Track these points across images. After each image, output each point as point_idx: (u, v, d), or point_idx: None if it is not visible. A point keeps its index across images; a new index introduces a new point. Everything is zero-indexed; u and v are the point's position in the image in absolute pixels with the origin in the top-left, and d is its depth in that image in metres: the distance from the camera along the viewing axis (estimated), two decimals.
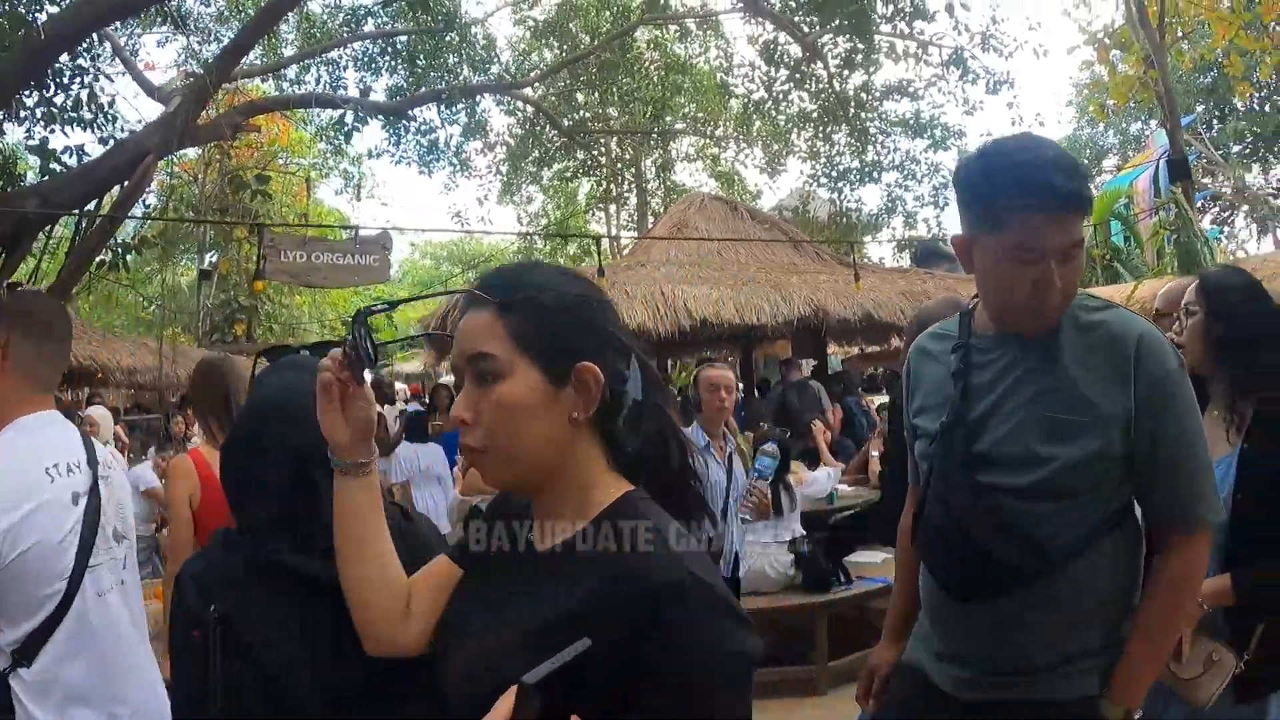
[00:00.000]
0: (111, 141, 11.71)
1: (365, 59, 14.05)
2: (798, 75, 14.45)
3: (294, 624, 1.48)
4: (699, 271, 9.10)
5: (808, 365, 15.27)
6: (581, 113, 16.43)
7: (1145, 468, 1.73)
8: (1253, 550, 2.25)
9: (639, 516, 1.15)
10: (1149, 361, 1.70)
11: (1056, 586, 1.73)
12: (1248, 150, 24.74)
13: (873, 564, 5.97)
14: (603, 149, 17.96)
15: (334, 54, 13.97)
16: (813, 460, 6.69)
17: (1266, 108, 23.27)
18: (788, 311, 8.49)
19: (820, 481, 6.22)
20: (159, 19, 14.66)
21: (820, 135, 16.32)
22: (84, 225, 12.16)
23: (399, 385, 26.89)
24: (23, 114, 10.83)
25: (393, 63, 14.05)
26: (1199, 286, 2.54)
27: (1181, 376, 1.74)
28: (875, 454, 7.17)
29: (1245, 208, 23.75)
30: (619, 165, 18.27)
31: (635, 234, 17.06)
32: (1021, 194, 1.66)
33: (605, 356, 1.20)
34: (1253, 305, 2.45)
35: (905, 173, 16.24)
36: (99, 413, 6.61)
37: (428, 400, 10.16)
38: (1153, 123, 23.12)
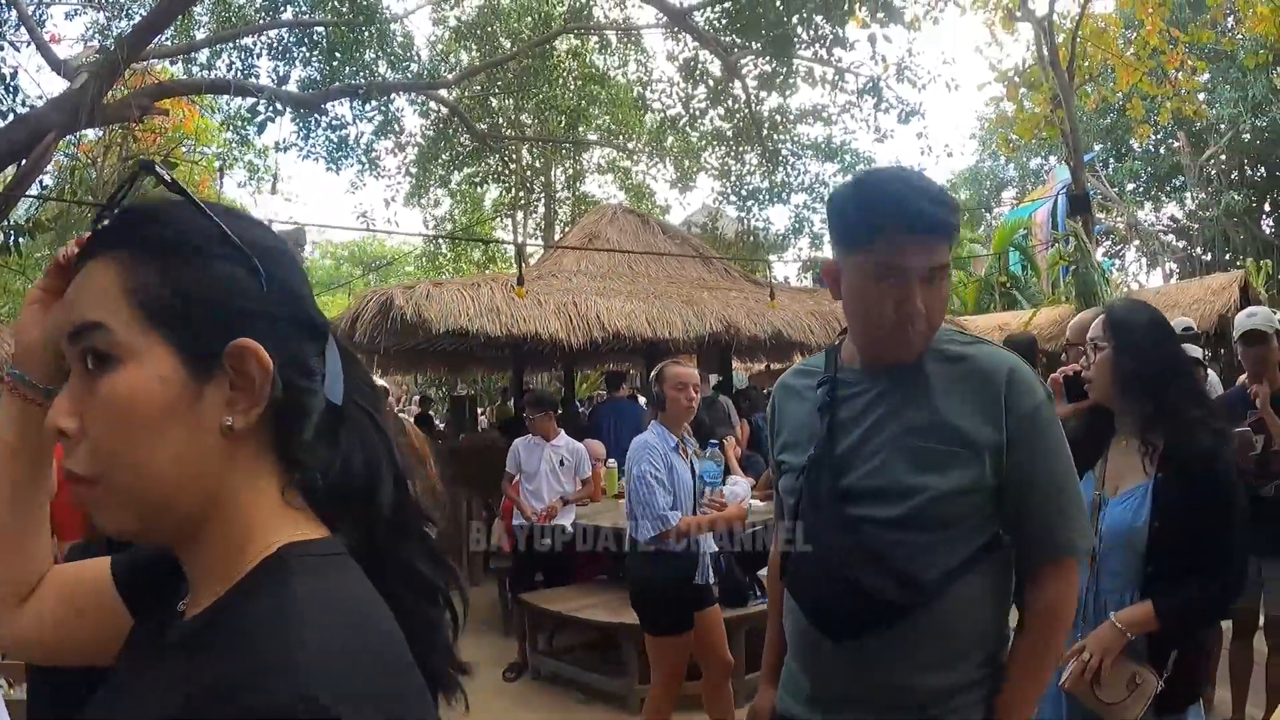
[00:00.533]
0: (11, 115, 11.17)
1: (280, 48, 13.66)
2: (716, 94, 14.65)
3: None
4: (610, 284, 9.13)
5: (712, 380, 15.45)
6: (496, 118, 16.33)
7: (1016, 499, 1.74)
8: (1171, 575, 2.35)
9: (271, 594, 0.75)
10: (1019, 395, 1.72)
11: (932, 619, 1.71)
12: (1141, 189, 26.03)
13: None
14: (514, 155, 17.88)
15: (249, 41, 13.57)
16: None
17: (1161, 149, 24.47)
18: (700, 327, 8.57)
19: (737, 496, 6.28)
20: None
21: (732, 154, 16.56)
22: None
23: None
24: None
25: (308, 54, 13.70)
26: (1106, 321, 2.61)
27: (1050, 410, 1.77)
28: None
29: (1137, 242, 24.96)
30: (529, 173, 18.21)
31: (544, 243, 17.01)
32: (889, 215, 1.68)
33: (281, 335, 0.83)
34: (1158, 341, 2.53)
35: (814, 195, 16.51)
36: None
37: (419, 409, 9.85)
38: (1053, 159, 24.13)
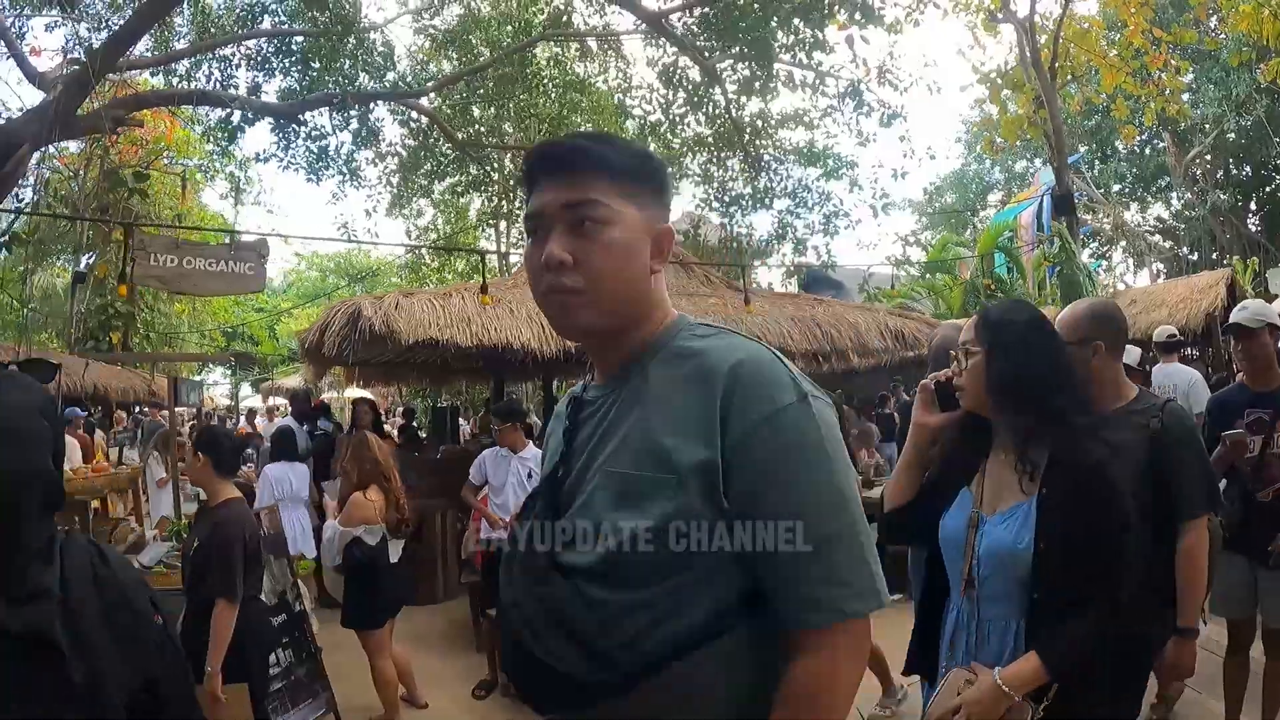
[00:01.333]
0: None
1: (259, 58, 13.61)
2: (695, 99, 14.58)
3: None
4: None
5: None
6: (477, 126, 16.24)
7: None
8: (1058, 603, 2.11)
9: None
10: (745, 400, 1.31)
11: (645, 707, 1.31)
12: (1127, 190, 26.07)
13: None
14: (496, 164, 17.79)
15: (226, 51, 13.51)
16: None
17: (1146, 150, 24.52)
18: None
19: None
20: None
21: (714, 160, 16.50)
22: None
23: (278, 401, 26.11)
24: None
25: (286, 63, 13.64)
26: (979, 323, 2.38)
27: (801, 420, 1.32)
28: None
29: (1124, 243, 24.98)
30: (511, 181, 18.10)
31: (517, 252, 16.91)
32: (529, 161, 1.48)
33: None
34: (1038, 343, 2.31)
35: (797, 200, 16.47)
36: None
37: (350, 416, 9.64)
38: (1038, 161, 24.17)
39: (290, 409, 11.03)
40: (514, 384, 14.59)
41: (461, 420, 16.64)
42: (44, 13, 14.63)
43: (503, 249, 19.63)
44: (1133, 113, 18.39)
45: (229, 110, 12.68)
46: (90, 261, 16.45)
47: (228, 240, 7.95)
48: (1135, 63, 15.91)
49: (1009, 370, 2.25)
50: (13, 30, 13.88)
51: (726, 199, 16.31)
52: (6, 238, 12.05)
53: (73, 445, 9.84)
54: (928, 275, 20.63)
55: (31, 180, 12.58)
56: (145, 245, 7.34)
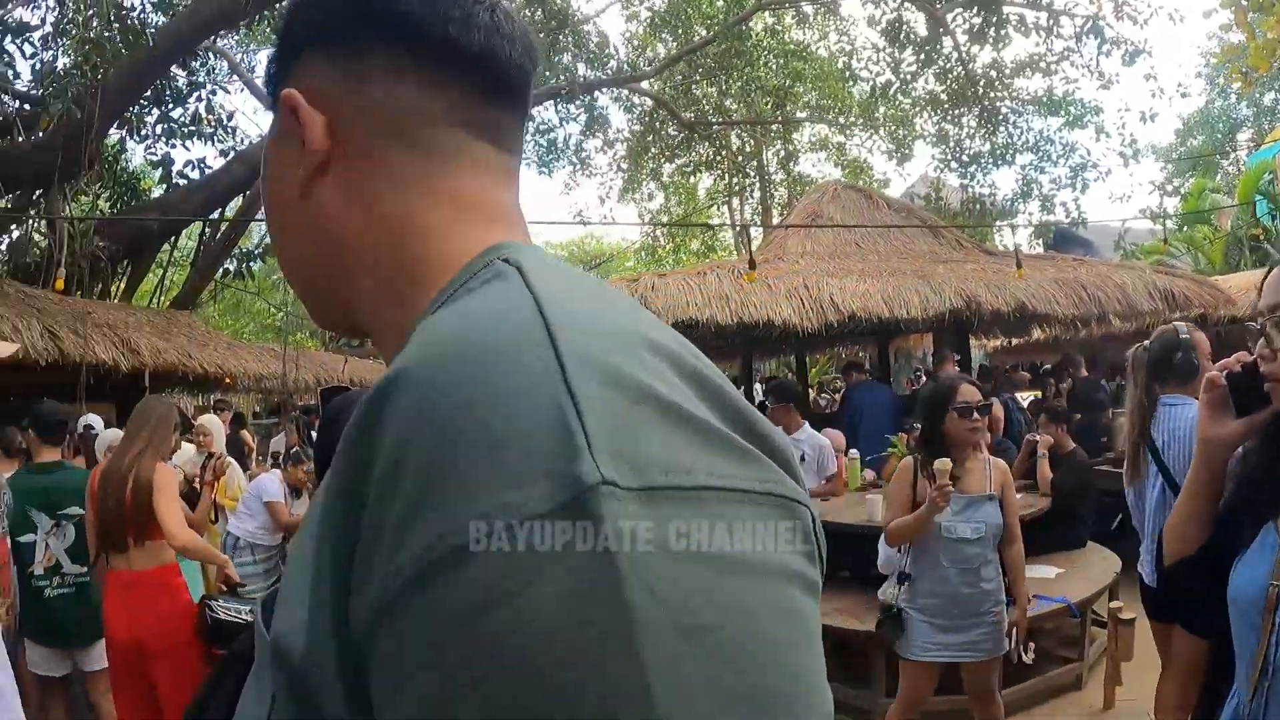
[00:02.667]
0: (232, 154, 11.93)
1: None
2: (925, 54, 13.87)
3: None
4: (840, 264, 8.64)
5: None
6: (701, 106, 16.04)
7: None
8: None
9: None
10: (404, 504, 0.51)
11: None
12: None
13: (1045, 579, 5.47)
14: (724, 141, 17.56)
15: None
16: None
17: None
18: (938, 303, 7.93)
19: None
20: (272, 33, 14.85)
21: (949, 118, 15.64)
22: (205, 235, 12.43)
23: None
24: (143, 131, 11.12)
25: None
26: None
27: (522, 579, 0.49)
28: (1043, 457, 6.60)
29: None
30: (740, 158, 17.80)
31: (773, 225, 16.57)
32: None
33: None
34: None
35: (1040, 154, 15.42)
36: (210, 422, 6.27)
37: None
38: None
39: None
40: (760, 361, 14.38)
41: None
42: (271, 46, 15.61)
43: (742, 221, 19.40)
44: None
45: None
46: None
47: None
48: None
49: None
50: (243, 64, 14.99)
51: (965, 158, 15.43)
52: (261, 250, 12.88)
53: None
54: (1184, 227, 18.84)
55: None
56: None
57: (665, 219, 20.08)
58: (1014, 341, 13.43)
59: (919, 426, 4.14)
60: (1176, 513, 1.75)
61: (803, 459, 5.96)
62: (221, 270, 12.66)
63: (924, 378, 15.27)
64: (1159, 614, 3.55)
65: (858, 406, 7.96)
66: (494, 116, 0.74)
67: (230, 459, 5.80)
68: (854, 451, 6.75)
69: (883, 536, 4.20)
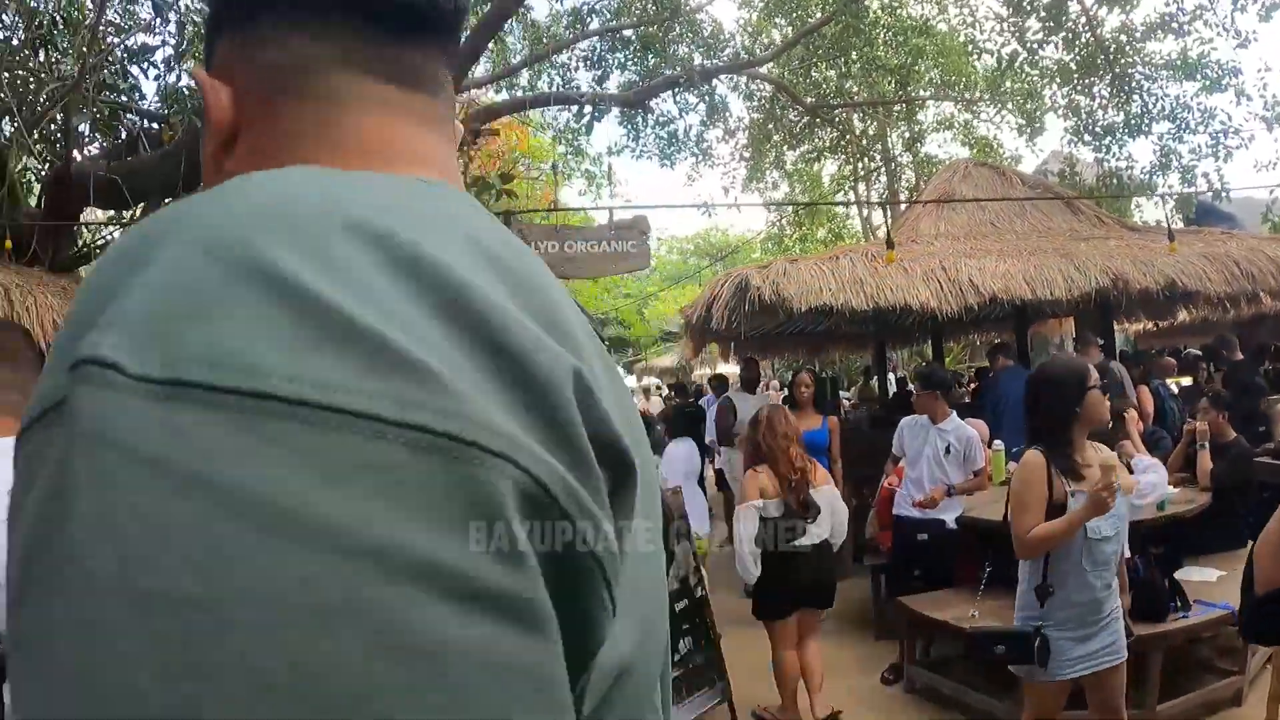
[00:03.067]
0: None
1: (595, 58, 14.00)
2: (1051, 20, 13.32)
3: None
4: (977, 244, 8.37)
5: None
6: (821, 89, 15.72)
7: None
8: None
9: None
10: None
11: None
12: None
13: (1205, 582, 5.08)
14: (847, 126, 17.20)
15: (563, 57, 14.02)
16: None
17: None
18: (1083, 282, 7.59)
19: (1157, 486, 5.21)
20: None
21: (1079, 89, 14.97)
22: None
23: (655, 380, 27.32)
24: None
25: (622, 58, 13.94)
26: None
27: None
28: (1203, 447, 6.16)
29: None
30: (864, 142, 17.37)
31: (910, 200, 16.14)
32: None
33: None
34: None
35: (1177, 122, 14.64)
36: None
37: (786, 391, 9.25)
38: None
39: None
40: (893, 350, 14.11)
41: (841, 392, 16.16)
42: None
43: (863, 213, 19.04)
44: None
45: (580, 107, 13.08)
46: None
47: (605, 221, 7.85)
48: None
49: None
50: None
51: (1098, 130, 14.75)
52: None
53: None
54: None
55: None
56: (525, 234, 7.35)
57: (791, 208, 19.75)
58: (1157, 325, 12.81)
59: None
60: (1266, 536, 1.62)
61: (948, 451, 5.72)
62: None
63: None
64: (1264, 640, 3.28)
65: (1001, 394, 7.43)
66: (400, 55, 0.69)
67: None
68: (998, 443, 6.36)
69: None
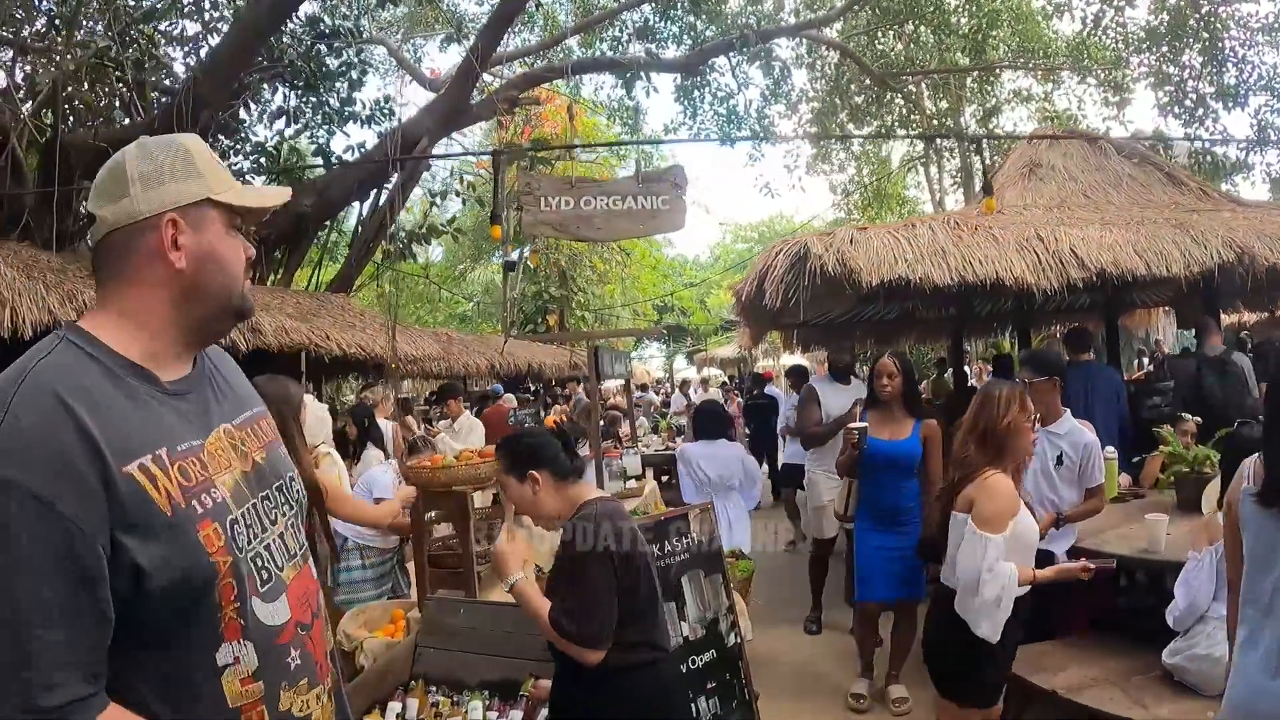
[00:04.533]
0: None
1: (644, 28, 13.20)
2: None
3: None
4: (1073, 213, 7.34)
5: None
6: (889, 60, 14.56)
7: None
8: None
9: None
10: None
11: None
12: None
13: None
14: (917, 100, 16.07)
15: (614, 30, 13.32)
16: None
17: None
18: (1202, 256, 6.49)
19: None
20: (436, 21, 14.67)
21: (1168, 57, 13.76)
22: (362, 216, 12.15)
23: (716, 371, 26.67)
24: (301, 120, 10.91)
25: (673, 26, 13.10)
26: None
27: None
28: None
29: None
30: (936, 120, 16.16)
31: (964, 197, 14.94)
32: None
33: None
34: None
35: (1276, 94, 13.49)
36: (310, 408, 4.60)
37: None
38: None
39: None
40: (969, 340, 12.99)
41: None
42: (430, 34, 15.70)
43: (935, 195, 17.99)
44: None
45: (630, 73, 12.24)
46: (525, 252, 16.74)
47: (631, 173, 6.62)
48: None
49: None
50: (404, 49, 15.11)
51: (1189, 102, 13.57)
52: (425, 231, 12.44)
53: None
54: None
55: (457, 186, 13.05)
56: (532, 189, 6.09)
57: (858, 192, 18.62)
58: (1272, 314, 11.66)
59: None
60: None
61: (1060, 461, 4.50)
62: (382, 252, 12.29)
63: (1148, 362, 13.42)
64: None
65: (1081, 391, 6.22)
66: None
67: (330, 451, 4.90)
68: (1110, 449, 5.20)
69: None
